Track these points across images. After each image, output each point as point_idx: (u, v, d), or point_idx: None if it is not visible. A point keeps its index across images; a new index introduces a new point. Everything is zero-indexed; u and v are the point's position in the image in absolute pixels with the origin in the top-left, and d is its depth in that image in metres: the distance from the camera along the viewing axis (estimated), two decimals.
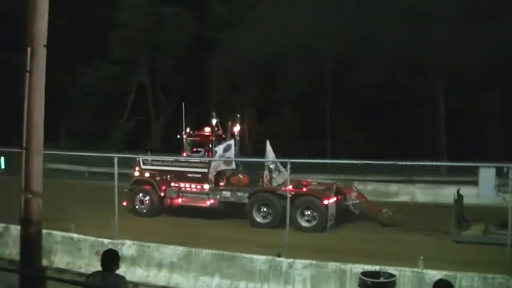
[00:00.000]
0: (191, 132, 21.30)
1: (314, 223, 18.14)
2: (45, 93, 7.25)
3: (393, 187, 25.26)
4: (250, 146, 22.97)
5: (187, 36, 40.01)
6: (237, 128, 21.62)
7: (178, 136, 21.51)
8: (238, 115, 22.11)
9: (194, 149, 21.05)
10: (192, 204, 20.54)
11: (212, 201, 20.13)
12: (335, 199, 18.85)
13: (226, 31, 37.80)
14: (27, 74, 7.07)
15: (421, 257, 10.60)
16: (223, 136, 21.00)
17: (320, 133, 38.15)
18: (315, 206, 18.10)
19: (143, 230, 16.79)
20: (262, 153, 20.65)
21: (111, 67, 40.91)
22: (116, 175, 15.23)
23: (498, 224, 17.03)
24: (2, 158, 16.17)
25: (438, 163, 14.09)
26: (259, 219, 19.28)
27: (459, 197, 17.76)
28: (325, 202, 18.15)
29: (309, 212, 18.30)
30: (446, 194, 17.95)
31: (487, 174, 15.93)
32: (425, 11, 30.28)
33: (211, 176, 20.21)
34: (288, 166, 12.77)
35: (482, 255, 14.20)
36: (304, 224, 18.38)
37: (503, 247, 14.06)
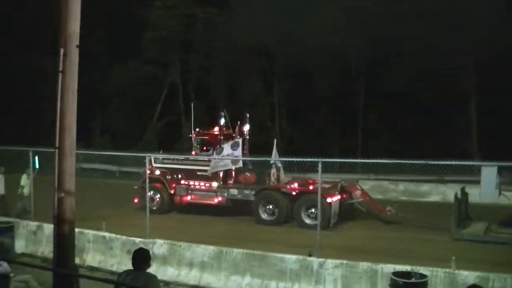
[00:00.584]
0: (200, 131, 21.84)
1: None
2: (79, 93, 7.31)
3: (425, 187, 25.00)
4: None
5: (219, 36, 40.11)
6: (246, 127, 22.10)
7: (190, 136, 22.09)
8: (248, 115, 22.41)
9: (204, 148, 21.45)
10: (200, 202, 20.98)
11: (219, 198, 20.59)
12: (339, 197, 19.06)
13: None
14: (60, 75, 7.13)
15: (453, 257, 10.44)
16: (233, 135, 21.24)
17: (352, 133, 38.01)
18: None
19: (167, 228, 16.98)
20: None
21: (144, 67, 41.23)
22: (147, 175, 15.37)
23: (501, 223, 16.90)
24: (36, 157, 16.36)
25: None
26: (264, 216, 19.62)
27: (463, 195, 17.87)
28: (329, 200, 18.20)
29: (313, 210, 18.46)
30: (475, 193, 17.81)
31: (489, 173, 15.80)
32: (456, 9, 29.97)
33: (209, 173, 20.59)
34: (319, 165, 12.67)
35: (486, 254, 14.18)
36: (308, 221, 18.68)
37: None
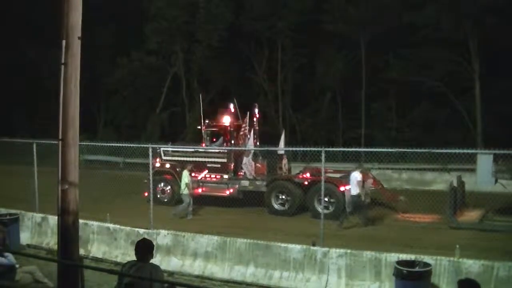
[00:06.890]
0: (210, 123, 21.74)
1: (332, 209, 18.14)
2: (82, 85, 7.29)
3: (429, 176, 24.96)
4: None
5: (223, 26, 39.96)
6: (256, 118, 22.01)
7: (199, 127, 22.05)
8: (257, 105, 22.39)
9: (214, 140, 21.50)
10: (211, 194, 20.86)
11: (231, 190, 20.51)
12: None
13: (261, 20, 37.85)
14: (62, 67, 7.12)
15: (457, 245, 10.42)
16: (243, 125, 21.24)
17: (357, 121, 37.99)
18: (332, 193, 18.12)
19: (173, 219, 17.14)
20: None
21: (147, 59, 41.12)
22: (150, 166, 15.38)
23: (497, 211, 16.92)
24: None
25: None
26: (277, 206, 19.64)
27: (460, 183, 17.90)
28: (342, 188, 18.15)
29: (326, 199, 18.30)
30: (480, 181, 17.77)
31: (485, 161, 15.79)
32: None
33: (248, 172, 20.47)
34: (323, 155, 12.65)
35: (490, 242, 14.17)
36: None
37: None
